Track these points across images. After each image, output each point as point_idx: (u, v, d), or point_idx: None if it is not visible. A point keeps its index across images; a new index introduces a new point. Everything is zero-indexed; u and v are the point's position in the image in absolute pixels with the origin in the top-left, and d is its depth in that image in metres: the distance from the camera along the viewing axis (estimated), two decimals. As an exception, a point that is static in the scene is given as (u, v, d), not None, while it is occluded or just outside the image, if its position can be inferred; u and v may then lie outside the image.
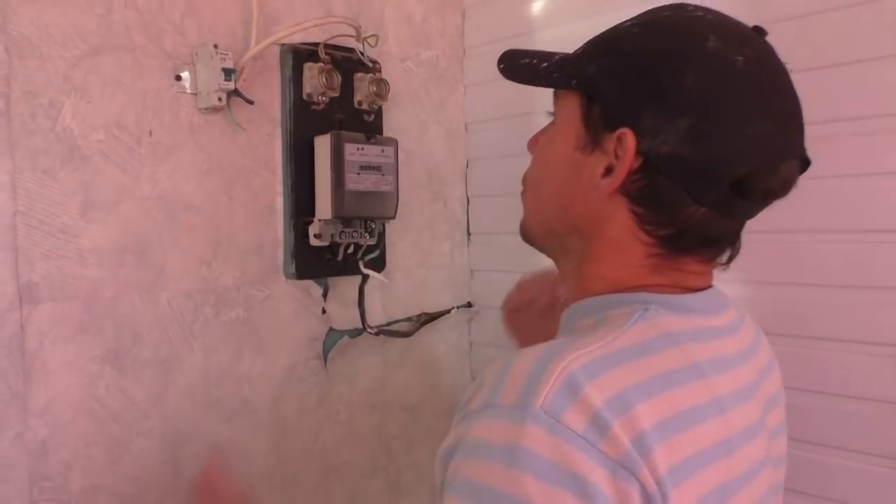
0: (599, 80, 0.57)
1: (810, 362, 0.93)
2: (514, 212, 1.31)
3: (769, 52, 0.56)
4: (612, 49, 0.58)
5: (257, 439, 1.05)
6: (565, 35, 1.19)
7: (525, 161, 1.29)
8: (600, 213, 0.57)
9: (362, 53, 1.12)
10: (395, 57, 1.23)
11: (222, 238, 1.01)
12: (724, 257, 0.60)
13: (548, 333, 0.65)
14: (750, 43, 0.55)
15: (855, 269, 0.89)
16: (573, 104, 0.59)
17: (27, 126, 0.83)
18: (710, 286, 0.61)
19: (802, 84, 0.91)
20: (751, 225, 0.97)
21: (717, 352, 0.56)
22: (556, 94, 0.63)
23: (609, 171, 0.56)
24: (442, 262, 1.32)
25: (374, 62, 1.14)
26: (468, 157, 1.35)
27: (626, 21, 0.59)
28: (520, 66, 0.66)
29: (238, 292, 1.03)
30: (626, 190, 0.56)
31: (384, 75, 1.15)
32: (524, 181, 0.68)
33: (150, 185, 0.94)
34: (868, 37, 0.87)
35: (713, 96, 0.52)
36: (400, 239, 1.24)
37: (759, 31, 0.57)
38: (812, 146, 0.91)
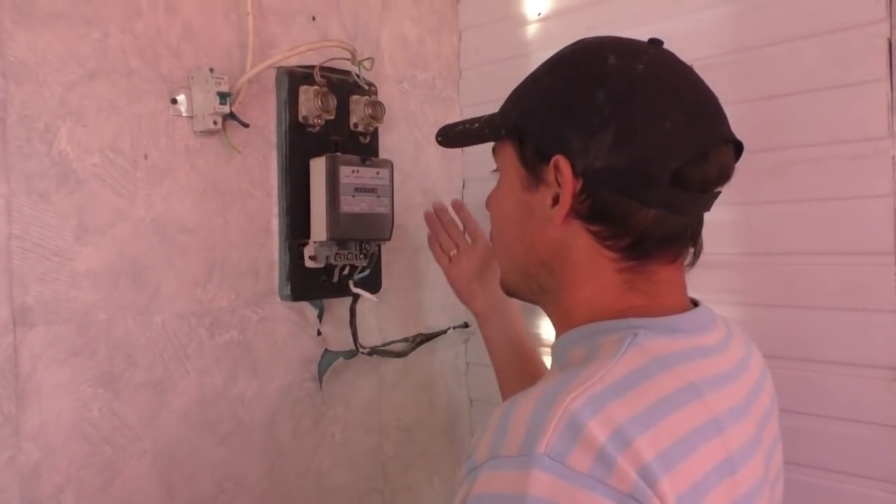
0: (523, 121, 0.62)
1: (804, 385, 0.93)
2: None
3: (667, 56, 0.60)
4: (527, 92, 0.64)
5: (252, 461, 1.05)
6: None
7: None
8: (561, 242, 0.60)
9: (358, 76, 1.13)
10: (391, 78, 1.24)
11: (217, 260, 1.01)
12: (689, 257, 0.62)
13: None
14: (647, 52, 0.59)
15: (848, 292, 0.89)
16: (509, 152, 0.64)
17: (23, 150, 0.84)
18: (694, 304, 0.62)
19: (792, 107, 0.93)
20: (744, 247, 0.98)
21: (709, 370, 0.57)
22: (494, 151, 0.68)
23: (556, 200, 0.59)
24: (438, 282, 1.32)
25: (370, 84, 1.15)
26: (464, 177, 1.36)
27: (538, 67, 0.65)
28: (455, 133, 0.72)
29: (233, 314, 1.03)
30: (577, 212, 0.58)
31: (380, 97, 1.16)
32: (491, 239, 0.71)
33: (144, 207, 0.94)
34: (856, 61, 0.87)
35: (625, 104, 0.56)
36: (396, 259, 1.24)
37: (655, 42, 0.61)
38: (803, 169, 0.92)
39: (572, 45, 0.64)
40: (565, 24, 1.19)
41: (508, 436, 0.49)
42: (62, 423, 0.87)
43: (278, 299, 1.08)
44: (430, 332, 1.29)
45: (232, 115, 0.98)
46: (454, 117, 1.35)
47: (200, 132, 0.98)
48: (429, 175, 1.31)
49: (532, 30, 1.23)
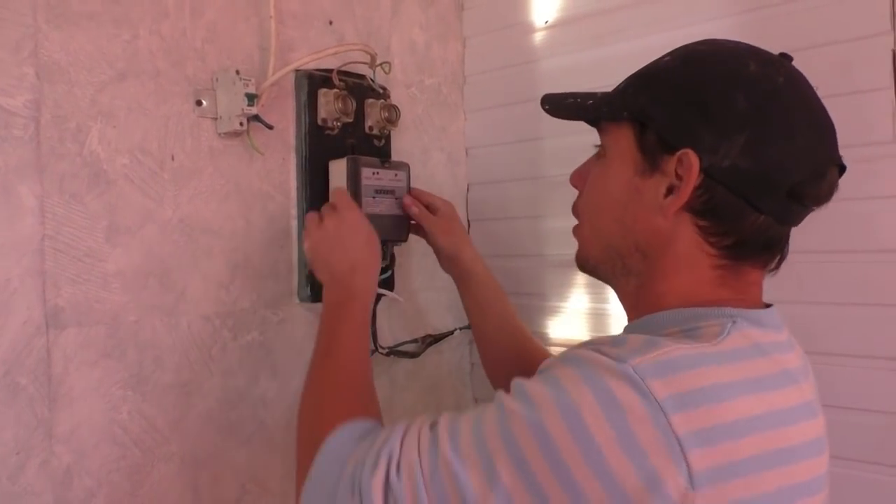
0: (651, 108, 0.62)
1: (816, 376, 0.97)
2: (512, 235, 1.34)
3: (800, 74, 0.63)
4: (657, 81, 0.64)
5: (273, 462, 1.05)
6: (563, 66, 1.24)
7: (522, 185, 1.33)
8: (666, 231, 0.62)
9: (372, 80, 1.14)
10: (400, 84, 1.26)
11: (240, 261, 1.02)
12: (774, 262, 0.65)
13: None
14: (783, 66, 0.62)
15: (854, 288, 0.94)
16: (625, 134, 0.64)
17: (55, 150, 0.83)
18: (770, 305, 0.65)
19: (803, 113, 0.97)
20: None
21: (793, 363, 0.60)
22: (602, 129, 0.68)
23: (671, 190, 0.60)
24: (444, 284, 1.33)
25: (384, 88, 1.16)
26: (468, 181, 1.38)
27: (664, 57, 0.65)
28: (565, 105, 0.72)
29: (254, 315, 1.03)
30: (689, 206, 0.60)
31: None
32: (576, 213, 0.72)
33: (171, 208, 0.94)
34: (862, 70, 0.93)
35: (764, 112, 0.58)
36: (405, 262, 1.26)
37: (785, 57, 0.63)
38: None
39: (704, 43, 0.65)
40: (573, 31, 1.22)
41: (622, 346, 0.55)
42: (93, 426, 0.86)
43: (297, 301, 1.09)
44: (437, 333, 1.31)
45: (257, 117, 0.98)
46: (458, 122, 1.37)
47: (224, 134, 0.99)
48: (435, 179, 1.33)
49: (539, 37, 1.27)
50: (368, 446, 0.64)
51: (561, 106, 0.72)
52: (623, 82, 0.68)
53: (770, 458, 0.53)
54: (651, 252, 0.63)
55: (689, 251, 0.61)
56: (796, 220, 0.63)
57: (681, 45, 0.68)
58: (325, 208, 0.97)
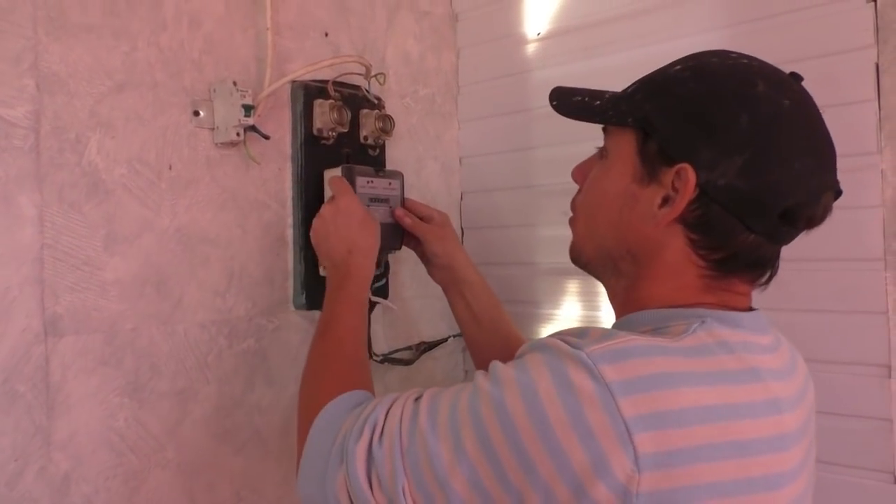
0: (655, 118, 0.63)
1: (802, 383, 0.99)
2: (505, 243, 1.36)
3: (808, 96, 0.63)
4: (665, 90, 0.64)
5: (268, 469, 1.06)
6: (554, 77, 1.25)
7: (515, 194, 1.35)
8: (657, 239, 0.63)
9: (367, 91, 1.16)
10: (395, 94, 1.27)
11: (236, 270, 1.03)
12: (765, 278, 0.66)
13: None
14: (792, 87, 0.62)
15: (842, 295, 0.96)
16: (628, 140, 0.65)
17: (55, 160, 0.85)
18: (755, 309, 0.67)
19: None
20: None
21: (768, 364, 0.61)
22: (607, 130, 0.69)
23: (666, 201, 0.62)
24: (438, 291, 1.34)
25: (379, 99, 1.18)
26: (462, 189, 1.40)
27: (675, 64, 0.66)
28: (572, 103, 0.72)
29: (250, 323, 1.05)
30: (682, 218, 0.62)
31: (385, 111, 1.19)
32: (574, 208, 0.73)
33: (169, 218, 0.95)
34: (847, 83, 0.95)
35: (766, 135, 0.59)
36: (399, 269, 1.27)
37: (795, 77, 0.64)
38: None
39: (717, 55, 0.65)
40: (564, 43, 1.24)
41: (582, 336, 0.59)
42: (91, 433, 0.87)
43: (292, 308, 1.10)
44: (431, 340, 1.32)
45: (253, 128, 1.00)
46: (452, 131, 1.39)
47: (221, 144, 1.00)
48: (429, 188, 1.34)
49: (531, 48, 1.28)
50: (356, 416, 0.68)
51: (568, 104, 0.72)
52: (632, 85, 0.68)
53: (722, 449, 0.54)
54: (641, 257, 0.65)
55: (678, 260, 0.63)
56: (787, 240, 0.65)
57: (665, 58, 0.69)
58: (327, 199, 1.01)
